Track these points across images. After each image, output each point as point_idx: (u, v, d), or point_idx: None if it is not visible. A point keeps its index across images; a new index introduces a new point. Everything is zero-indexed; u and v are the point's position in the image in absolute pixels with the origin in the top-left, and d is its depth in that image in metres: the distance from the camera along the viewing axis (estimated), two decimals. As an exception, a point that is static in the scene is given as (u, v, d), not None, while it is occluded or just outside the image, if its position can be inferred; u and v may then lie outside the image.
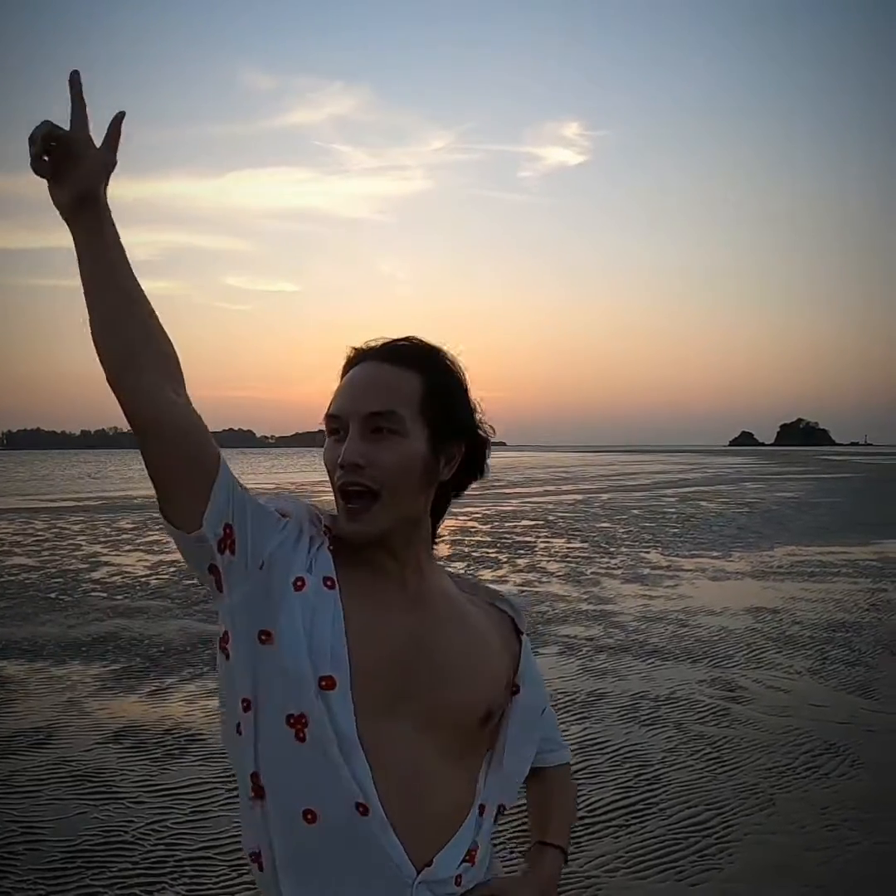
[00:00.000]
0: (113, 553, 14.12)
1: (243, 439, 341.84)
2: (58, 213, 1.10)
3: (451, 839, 1.15)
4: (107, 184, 1.10)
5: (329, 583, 1.14)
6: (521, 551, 13.99)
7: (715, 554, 13.63)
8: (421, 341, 1.20)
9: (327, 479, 1.21)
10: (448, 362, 1.20)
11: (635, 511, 21.97)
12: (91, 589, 10.64)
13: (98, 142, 1.10)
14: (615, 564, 12.50)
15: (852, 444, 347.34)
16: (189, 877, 3.56)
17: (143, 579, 11.32)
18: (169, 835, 3.92)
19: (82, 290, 1.10)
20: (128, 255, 1.11)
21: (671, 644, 7.57)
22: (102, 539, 16.21)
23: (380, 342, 1.21)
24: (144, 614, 8.95)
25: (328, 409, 1.19)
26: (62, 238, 1.12)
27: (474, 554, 13.52)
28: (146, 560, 12.78)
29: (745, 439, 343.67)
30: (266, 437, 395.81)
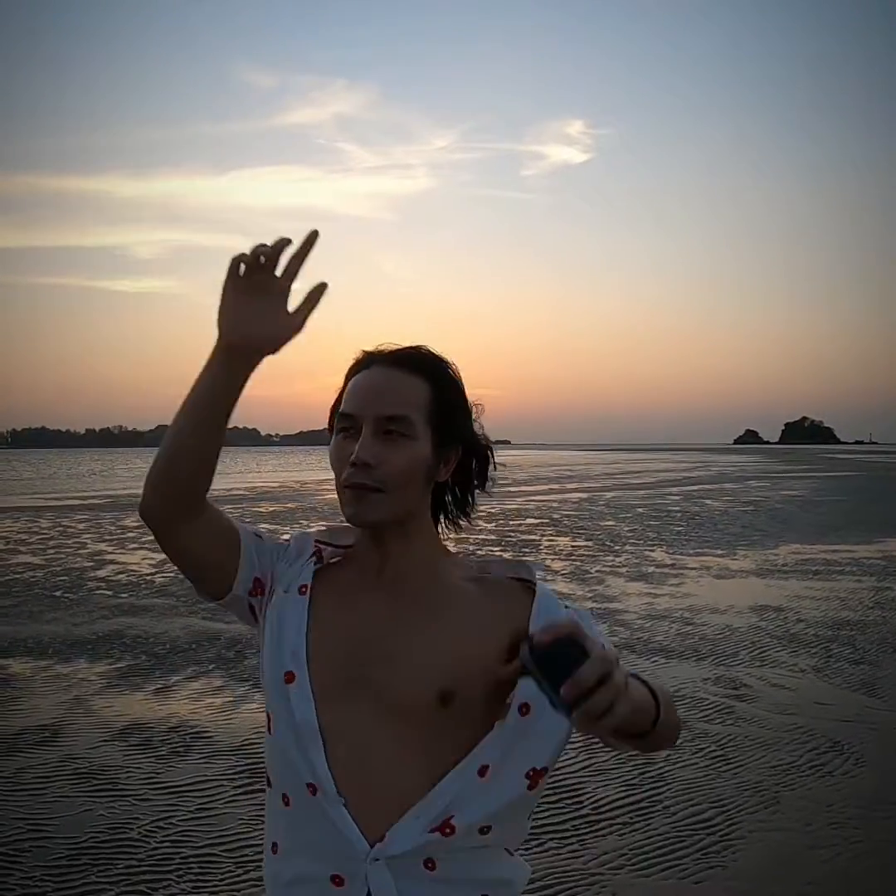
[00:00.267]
0: (118, 551, 14.15)
1: (248, 437, 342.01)
2: (216, 331, 1.11)
3: (409, 812, 1.15)
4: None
5: (303, 589, 1.24)
6: (526, 549, 13.99)
7: (719, 552, 13.63)
8: (429, 351, 1.27)
9: (332, 477, 1.24)
10: (452, 372, 1.27)
11: (640, 509, 21.95)
12: (96, 587, 10.66)
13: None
14: (620, 563, 12.50)
15: (857, 442, 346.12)
16: (195, 873, 3.58)
17: (148, 577, 11.34)
18: (174, 832, 3.93)
19: (178, 412, 1.14)
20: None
21: (676, 642, 7.58)
22: (107, 537, 16.24)
23: (390, 347, 1.26)
24: (149, 612, 8.97)
25: (341, 407, 1.23)
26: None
27: (479, 552, 13.53)
28: (151, 558, 12.79)
29: (750, 437, 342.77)
30: (270, 436, 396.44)
